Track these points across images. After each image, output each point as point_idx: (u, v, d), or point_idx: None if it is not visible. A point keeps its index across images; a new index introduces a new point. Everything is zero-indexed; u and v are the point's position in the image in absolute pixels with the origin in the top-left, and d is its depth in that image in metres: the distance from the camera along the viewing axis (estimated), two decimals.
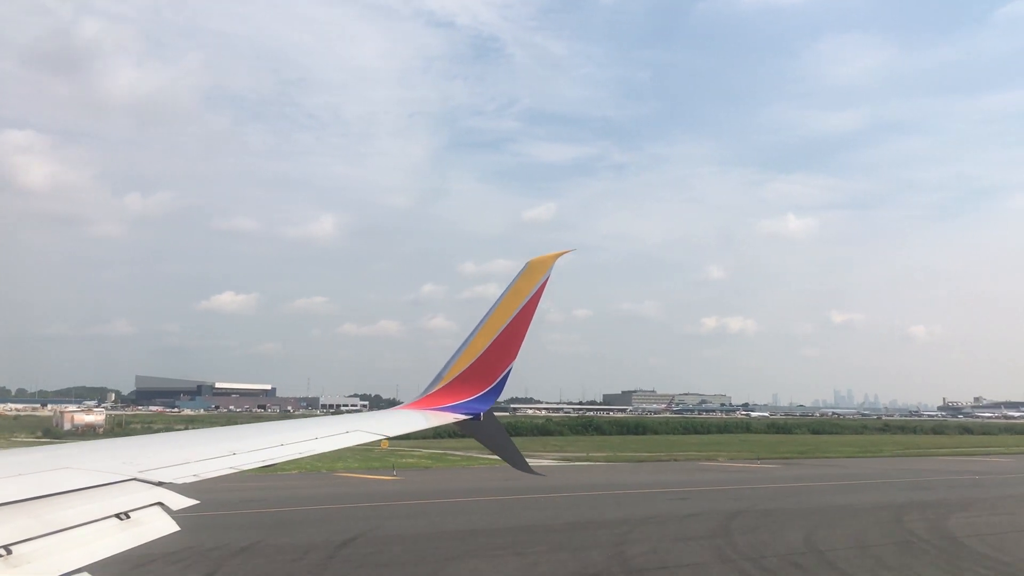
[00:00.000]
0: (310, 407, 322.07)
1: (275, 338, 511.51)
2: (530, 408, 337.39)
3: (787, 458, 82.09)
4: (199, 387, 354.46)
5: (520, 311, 10.76)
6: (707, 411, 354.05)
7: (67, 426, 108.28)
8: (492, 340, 10.77)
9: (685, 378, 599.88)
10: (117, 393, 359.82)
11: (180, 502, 5.77)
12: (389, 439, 11.51)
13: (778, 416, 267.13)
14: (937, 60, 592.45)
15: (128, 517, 5.29)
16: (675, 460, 78.45)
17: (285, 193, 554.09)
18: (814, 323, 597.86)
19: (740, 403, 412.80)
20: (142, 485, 5.89)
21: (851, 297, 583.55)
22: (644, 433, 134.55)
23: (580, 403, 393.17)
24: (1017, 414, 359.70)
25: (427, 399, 10.90)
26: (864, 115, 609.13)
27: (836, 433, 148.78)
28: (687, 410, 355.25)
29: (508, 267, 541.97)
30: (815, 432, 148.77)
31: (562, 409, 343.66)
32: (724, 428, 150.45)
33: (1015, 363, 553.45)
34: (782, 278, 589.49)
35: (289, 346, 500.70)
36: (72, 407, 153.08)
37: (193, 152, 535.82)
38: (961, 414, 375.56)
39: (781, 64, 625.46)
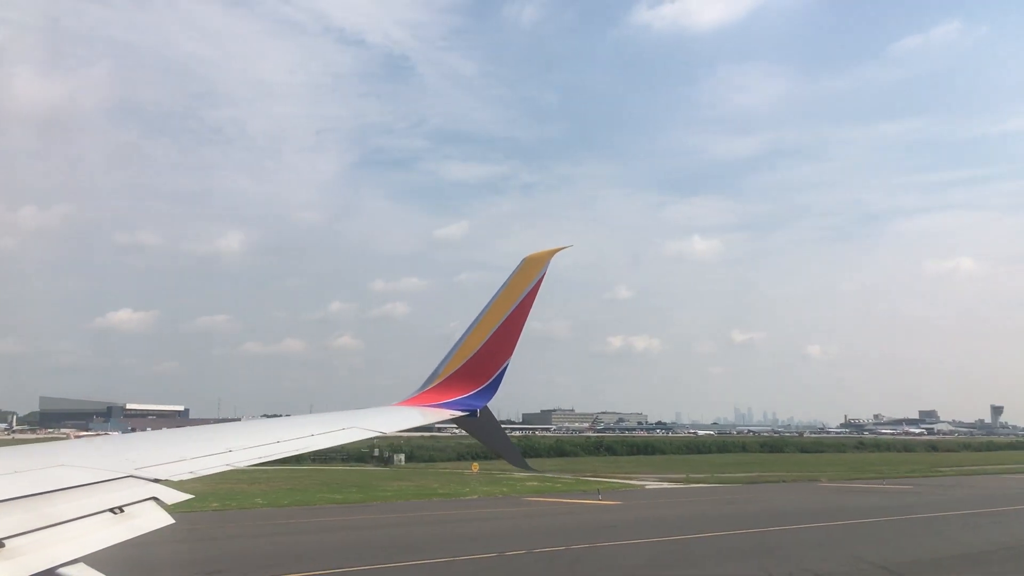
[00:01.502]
0: None
1: (175, 357, 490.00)
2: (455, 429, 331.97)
3: (892, 477, 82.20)
4: (109, 408, 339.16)
5: (516, 308, 10.65)
6: (627, 430, 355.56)
7: None
8: (488, 337, 10.68)
9: (595, 397, 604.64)
10: (14, 415, 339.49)
11: (175, 496, 5.78)
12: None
13: (708, 435, 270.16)
14: (833, 90, 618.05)
15: (122, 511, 5.33)
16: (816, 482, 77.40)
17: (189, 208, 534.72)
18: (717, 342, 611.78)
19: (654, 421, 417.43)
20: (138, 481, 5.93)
21: (752, 317, 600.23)
22: (653, 453, 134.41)
23: (501, 423, 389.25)
24: (917, 431, 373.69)
25: (423, 396, 10.76)
26: (763, 141, 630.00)
27: (821, 451, 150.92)
28: (608, 429, 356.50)
29: (419, 285, 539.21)
30: (804, 451, 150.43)
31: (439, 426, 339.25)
32: (723, 448, 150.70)
33: (908, 381, 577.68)
34: (687, 298, 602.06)
35: (189, 365, 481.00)
36: None
37: (93, 165, 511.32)
38: (865, 431, 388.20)
39: (685, 90, 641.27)
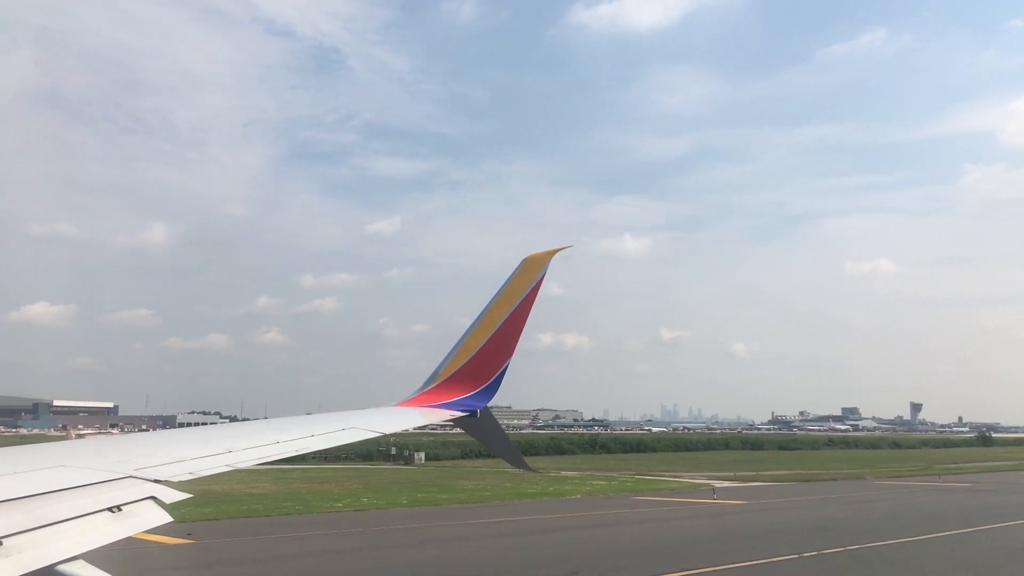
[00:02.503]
0: (166, 426, 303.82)
1: (94, 352, 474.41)
2: None
3: (933, 475, 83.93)
4: (35, 405, 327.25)
5: (516, 308, 10.69)
6: (565, 427, 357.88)
7: None
8: (488, 337, 10.70)
9: (524, 394, 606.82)
10: None
11: (174, 496, 5.83)
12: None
13: (661, 431, 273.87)
14: (759, 94, 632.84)
15: (120, 510, 5.36)
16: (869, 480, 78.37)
17: (110, 200, 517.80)
18: (644, 340, 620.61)
19: (588, 418, 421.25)
20: (137, 482, 5.93)
21: (679, 315, 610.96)
22: (644, 451, 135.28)
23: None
24: (842, 427, 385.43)
25: (423, 396, 10.78)
26: (690, 143, 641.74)
27: (797, 448, 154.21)
28: (547, 426, 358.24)
29: (348, 281, 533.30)
30: (783, 448, 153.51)
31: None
32: (709, 445, 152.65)
33: (830, 379, 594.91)
34: (616, 296, 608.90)
35: (110, 361, 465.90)
36: None
37: (9, 154, 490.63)
38: (793, 427, 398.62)
39: (616, 90, 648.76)
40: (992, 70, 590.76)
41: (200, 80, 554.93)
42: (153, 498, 5.75)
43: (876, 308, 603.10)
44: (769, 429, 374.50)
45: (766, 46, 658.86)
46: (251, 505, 52.55)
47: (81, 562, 5.04)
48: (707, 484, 70.42)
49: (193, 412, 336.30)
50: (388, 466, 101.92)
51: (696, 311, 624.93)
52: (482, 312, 11.03)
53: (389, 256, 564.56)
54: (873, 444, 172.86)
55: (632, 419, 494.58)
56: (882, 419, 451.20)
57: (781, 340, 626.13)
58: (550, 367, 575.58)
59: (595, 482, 73.16)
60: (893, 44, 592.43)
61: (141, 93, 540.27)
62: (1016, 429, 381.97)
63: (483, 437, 11.44)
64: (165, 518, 5.59)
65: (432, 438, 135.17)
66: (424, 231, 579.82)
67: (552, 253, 10.95)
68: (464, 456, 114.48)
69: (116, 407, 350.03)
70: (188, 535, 39.20)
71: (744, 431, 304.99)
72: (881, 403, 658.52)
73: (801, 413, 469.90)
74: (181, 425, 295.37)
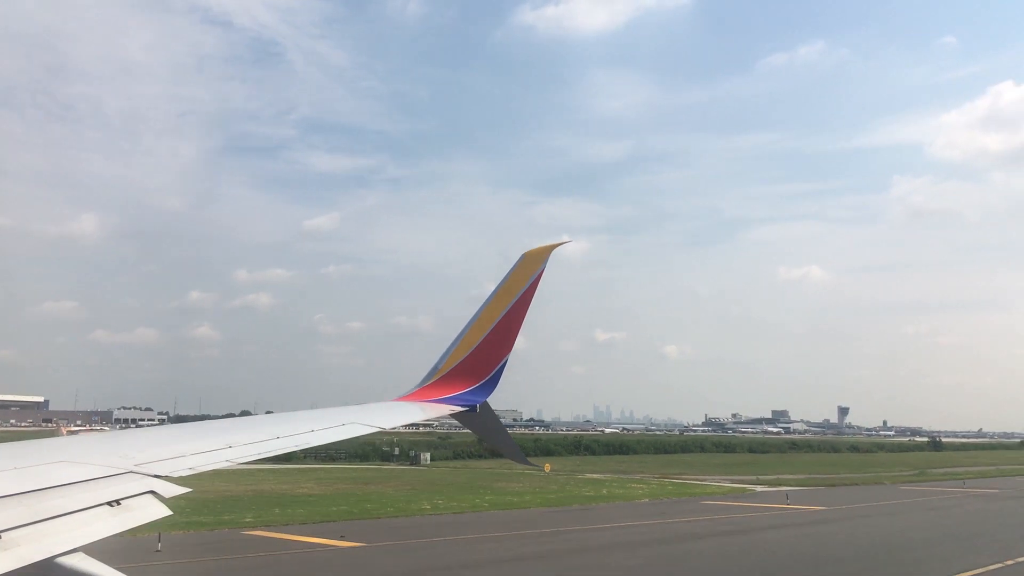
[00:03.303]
0: (103, 421, 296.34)
1: (14, 344, 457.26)
2: None
3: (939, 480, 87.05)
4: None
5: (515, 303, 10.76)
6: (507, 427, 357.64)
7: None
8: (487, 332, 10.77)
9: None
10: None
11: (173, 490, 5.90)
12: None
13: (616, 431, 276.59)
14: (698, 100, 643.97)
15: (119, 504, 5.41)
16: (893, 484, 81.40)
17: (38, 188, 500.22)
18: (580, 341, 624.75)
19: (527, 418, 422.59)
20: (137, 477, 5.99)
21: (614, 317, 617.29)
22: (626, 452, 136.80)
23: None
24: (775, 429, 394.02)
25: (423, 391, 10.90)
26: (629, 146, 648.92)
27: (765, 451, 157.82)
28: None
29: (284, 276, 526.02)
30: (752, 451, 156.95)
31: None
32: (685, 447, 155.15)
33: (761, 382, 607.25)
34: (553, 297, 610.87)
35: (32, 353, 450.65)
36: None
37: None
38: (728, 429, 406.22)
39: (559, 92, 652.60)
40: (923, 85, 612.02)
41: (133, 68, 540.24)
42: (152, 492, 5.83)
43: (806, 313, 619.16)
44: (705, 431, 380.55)
45: (708, 54, 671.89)
46: (344, 506, 52.19)
47: (80, 555, 5.15)
48: (743, 488, 72.09)
49: (132, 408, 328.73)
50: (395, 466, 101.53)
51: (631, 313, 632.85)
52: (481, 307, 11.01)
53: (326, 252, 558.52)
54: (834, 448, 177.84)
55: (566, 419, 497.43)
56: (810, 422, 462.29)
57: (714, 343, 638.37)
58: None
59: (633, 485, 74.15)
60: (831, 57, 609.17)
61: (71, 79, 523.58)
62: (938, 433, 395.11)
63: (483, 432, 11.38)
64: (164, 512, 5.65)
65: (430, 437, 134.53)
66: (363, 228, 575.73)
67: (551, 248, 10.92)
68: (456, 456, 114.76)
69: (47, 401, 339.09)
70: (341, 536, 39.03)
71: (681, 433, 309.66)
72: (809, 406, 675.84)
73: (733, 415, 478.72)
74: (118, 421, 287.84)
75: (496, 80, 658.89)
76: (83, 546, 5.03)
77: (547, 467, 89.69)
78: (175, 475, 6.26)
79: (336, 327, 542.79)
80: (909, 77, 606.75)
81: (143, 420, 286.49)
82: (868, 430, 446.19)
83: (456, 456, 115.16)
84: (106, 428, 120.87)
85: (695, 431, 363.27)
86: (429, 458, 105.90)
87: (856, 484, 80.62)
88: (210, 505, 52.51)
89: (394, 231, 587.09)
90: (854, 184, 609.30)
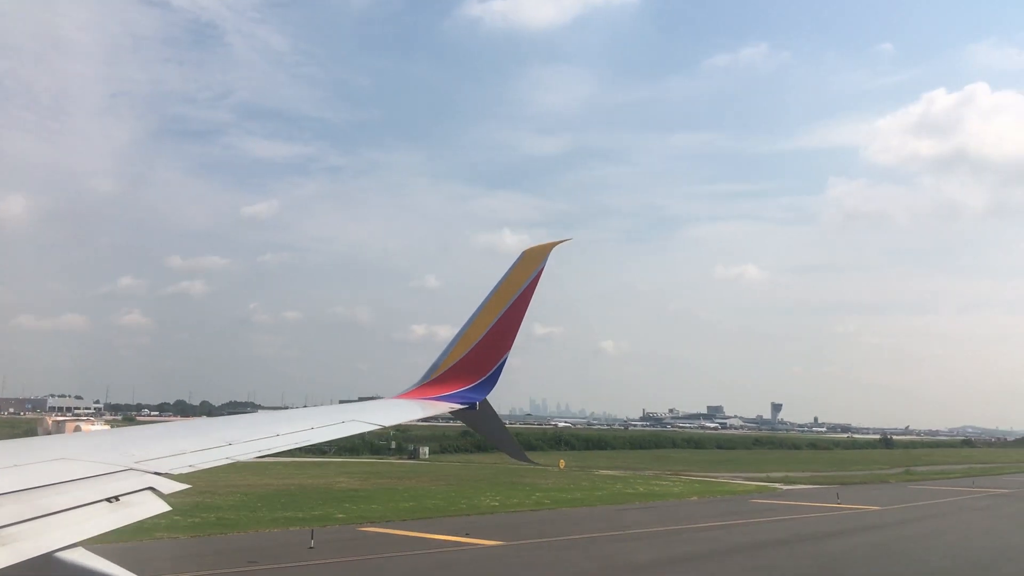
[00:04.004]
0: (36, 408, 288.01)
1: None
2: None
3: (944, 478, 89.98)
4: None
5: (515, 301, 10.94)
6: (449, 418, 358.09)
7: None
8: (487, 330, 10.94)
9: (391, 384, 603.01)
10: None
11: (172, 487, 6.05)
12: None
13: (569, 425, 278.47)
14: (639, 98, 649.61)
15: (118, 500, 5.55)
16: (897, 481, 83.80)
17: None
18: (518, 335, 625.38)
19: None
20: (136, 474, 6.11)
21: (552, 312, 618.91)
22: (604, 448, 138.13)
23: None
24: (712, 425, 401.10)
25: (422, 389, 11.06)
26: (568, 142, 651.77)
27: (732, 448, 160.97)
28: (442, 417, 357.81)
29: (220, 264, 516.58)
30: (720, 447, 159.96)
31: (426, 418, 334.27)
32: (658, 443, 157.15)
33: (696, 378, 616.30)
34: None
35: None
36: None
37: None
38: (666, 424, 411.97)
39: (501, 85, 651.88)
40: (860, 89, 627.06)
41: (64, 46, 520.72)
42: (152, 489, 5.91)
43: (741, 311, 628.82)
44: (644, 425, 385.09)
45: (652, 52, 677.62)
46: (406, 502, 52.00)
47: (80, 549, 5.25)
48: (769, 487, 73.62)
49: (65, 396, 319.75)
50: (394, 460, 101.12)
51: (569, 308, 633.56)
52: (481, 305, 11.13)
53: (263, 240, 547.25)
54: (795, 445, 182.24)
55: (502, 412, 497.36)
56: (745, 418, 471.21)
57: (650, 339, 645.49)
58: (421, 358, 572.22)
59: (657, 482, 75.32)
60: (773, 59, 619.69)
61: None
62: (867, 430, 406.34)
63: (483, 429, 11.57)
64: (163, 507, 5.75)
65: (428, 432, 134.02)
66: (300, 216, 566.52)
67: (551, 246, 11.09)
68: (449, 450, 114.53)
69: None
70: (467, 533, 39.01)
71: (626, 428, 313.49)
72: (743, 402, 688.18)
73: (671, 410, 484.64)
74: (52, 408, 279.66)
75: (439, 72, 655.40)
76: (82, 541, 5.14)
77: (561, 463, 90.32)
78: (175, 472, 6.32)
79: (272, 316, 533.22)
80: (847, 82, 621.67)
81: (78, 408, 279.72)
82: (800, 426, 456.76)
83: (443, 450, 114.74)
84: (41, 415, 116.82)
85: (636, 426, 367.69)
86: (428, 452, 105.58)
87: (865, 483, 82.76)
88: (273, 500, 51.92)
89: (332, 220, 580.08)
90: (791, 185, 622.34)
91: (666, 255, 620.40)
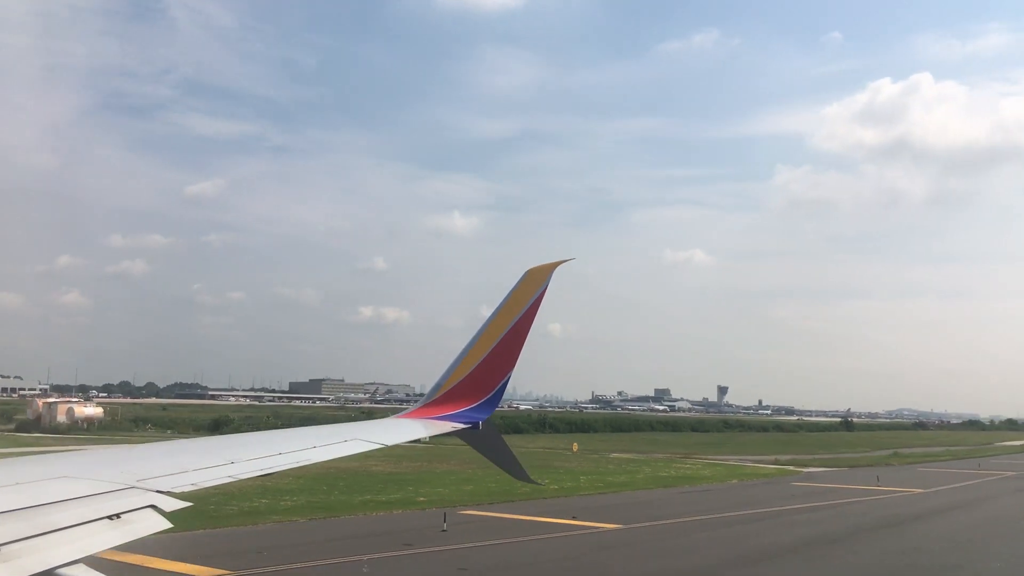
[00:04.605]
0: None
1: None
2: (232, 396, 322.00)
3: (945, 459, 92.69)
4: None
5: (518, 321, 10.99)
6: (401, 402, 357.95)
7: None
8: (490, 349, 11.00)
9: (342, 366, 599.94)
10: None
11: (174, 504, 6.14)
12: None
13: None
14: (588, 82, 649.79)
15: (119, 517, 5.62)
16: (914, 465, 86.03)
17: None
18: (465, 317, 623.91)
19: (417, 393, 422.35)
20: (138, 492, 6.18)
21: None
22: (587, 431, 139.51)
23: (274, 391, 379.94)
24: (661, 407, 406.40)
25: (426, 408, 11.30)
26: (517, 125, 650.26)
27: (706, 431, 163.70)
28: (385, 400, 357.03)
29: (162, 243, 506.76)
30: (695, 430, 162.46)
31: (262, 397, 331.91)
32: (636, 427, 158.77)
33: (643, 361, 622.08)
34: (441, 273, 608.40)
35: None
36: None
37: None
38: (617, 407, 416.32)
39: (451, 66, 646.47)
40: (808, 77, 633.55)
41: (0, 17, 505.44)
42: (153, 507, 5.98)
43: (688, 295, 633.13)
44: (593, 408, 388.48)
45: (604, 37, 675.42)
46: (465, 485, 51.92)
47: (81, 566, 5.29)
48: (790, 469, 75.14)
49: (6, 376, 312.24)
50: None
51: None
52: (484, 325, 11.18)
53: (207, 220, 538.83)
54: (763, 428, 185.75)
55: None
56: (693, 401, 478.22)
57: (598, 322, 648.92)
58: (369, 340, 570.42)
59: (680, 465, 76.40)
60: (724, 46, 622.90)
61: None
62: (810, 413, 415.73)
63: (485, 450, 11.63)
64: (164, 524, 5.84)
65: None
66: (245, 196, 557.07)
67: (554, 266, 11.13)
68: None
69: None
70: (573, 517, 39.23)
71: (581, 411, 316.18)
72: (689, 385, 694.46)
73: (619, 393, 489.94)
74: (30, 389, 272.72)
75: (388, 51, 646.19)
76: (83, 558, 5.22)
77: (575, 447, 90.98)
78: (177, 491, 6.37)
79: (216, 297, 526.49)
80: (796, 69, 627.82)
81: (23, 390, 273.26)
82: (746, 409, 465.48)
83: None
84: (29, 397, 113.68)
85: (586, 408, 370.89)
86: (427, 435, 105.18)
87: (872, 465, 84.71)
88: (332, 483, 51.41)
89: (278, 200, 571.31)
90: (739, 171, 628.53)
91: (613, 239, 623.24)
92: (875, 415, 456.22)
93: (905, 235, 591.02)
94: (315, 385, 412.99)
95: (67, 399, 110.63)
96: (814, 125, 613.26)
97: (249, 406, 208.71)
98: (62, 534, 5.21)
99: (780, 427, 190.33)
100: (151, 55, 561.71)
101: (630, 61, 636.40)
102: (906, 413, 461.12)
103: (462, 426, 10.78)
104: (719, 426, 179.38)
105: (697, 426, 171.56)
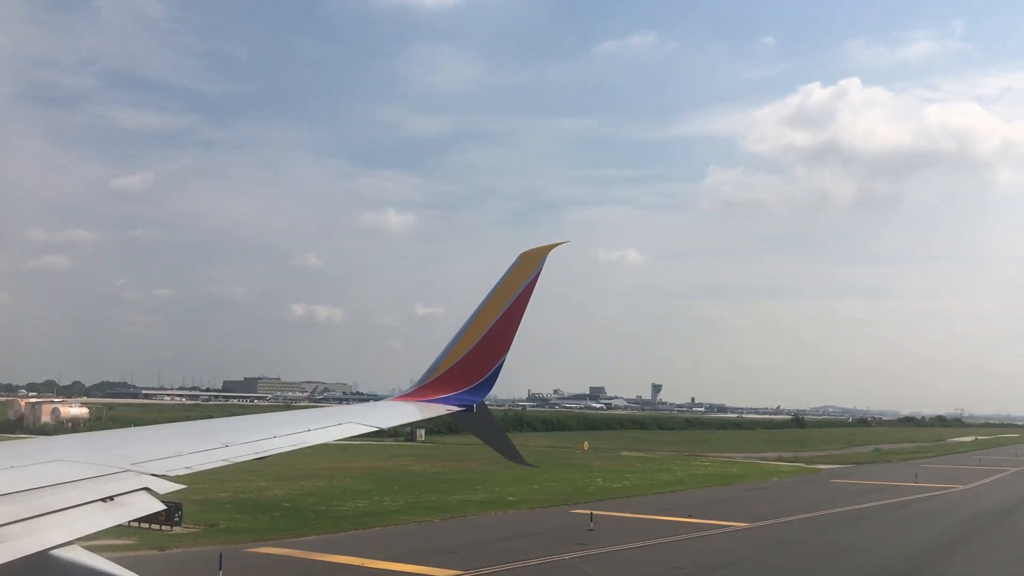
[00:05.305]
0: None
1: None
2: (166, 395, 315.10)
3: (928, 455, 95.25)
4: None
5: (512, 304, 11.00)
6: (339, 400, 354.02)
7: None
8: (484, 333, 11.01)
9: (276, 364, 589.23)
10: None
11: (168, 487, 6.23)
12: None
13: None
14: (525, 81, 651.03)
15: (112, 500, 5.75)
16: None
17: None
18: (399, 315, 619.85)
19: (354, 391, 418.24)
20: (133, 475, 6.25)
21: (435, 292, 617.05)
22: (562, 429, 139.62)
23: (208, 390, 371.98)
24: (598, 405, 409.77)
25: (420, 391, 11.18)
26: (453, 123, 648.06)
27: (674, 428, 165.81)
28: (325, 399, 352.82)
29: (87, 238, 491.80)
30: (662, 428, 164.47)
31: (198, 396, 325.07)
32: (608, 424, 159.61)
33: (578, 359, 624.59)
34: (376, 270, 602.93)
35: None
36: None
37: None
38: (552, 405, 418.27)
39: (387, 63, 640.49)
40: (741, 80, 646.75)
41: None
42: (147, 489, 6.06)
43: (622, 294, 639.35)
44: (530, 405, 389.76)
45: (543, 37, 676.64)
46: (535, 483, 51.88)
47: (75, 547, 5.46)
48: (805, 467, 76.58)
49: None
50: (391, 442, 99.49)
51: (452, 289, 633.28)
52: (478, 308, 11.18)
53: (135, 214, 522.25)
54: (722, 425, 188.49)
55: (382, 392, 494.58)
56: (628, 398, 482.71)
57: (533, 320, 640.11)
58: (302, 338, 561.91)
59: (701, 463, 77.35)
60: (661, 48, 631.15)
61: None
62: (741, 410, 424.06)
63: (480, 432, 11.63)
64: (158, 507, 5.92)
65: None
66: (174, 191, 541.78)
67: (548, 249, 11.17)
68: (442, 431, 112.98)
69: None
70: (689, 516, 39.27)
71: (523, 408, 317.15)
72: (624, 383, 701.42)
73: (555, 391, 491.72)
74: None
75: (323, 46, 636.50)
76: (77, 539, 5.34)
77: (585, 445, 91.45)
78: (171, 474, 6.45)
79: (143, 294, 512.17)
80: (730, 72, 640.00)
81: None
82: (679, 406, 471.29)
83: (446, 431, 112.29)
84: (12, 397, 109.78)
85: (523, 406, 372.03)
86: (424, 434, 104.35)
87: (871, 462, 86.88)
88: (397, 483, 50.98)
89: (207, 195, 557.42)
90: (673, 172, 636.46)
91: (549, 238, 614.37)
92: (803, 412, 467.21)
93: (832, 236, 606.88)
94: (251, 384, 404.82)
95: (50, 399, 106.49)
96: (747, 127, 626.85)
97: (184, 405, 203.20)
98: (56, 516, 5.29)
99: (738, 425, 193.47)
100: (75, 45, 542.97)
101: (568, 61, 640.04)
102: (831, 410, 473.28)
103: (456, 409, 10.76)
104: (680, 423, 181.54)
105: (665, 424, 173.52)
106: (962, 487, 59.19)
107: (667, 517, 39.36)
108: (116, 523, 5.50)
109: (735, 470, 70.25)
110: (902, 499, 50.65)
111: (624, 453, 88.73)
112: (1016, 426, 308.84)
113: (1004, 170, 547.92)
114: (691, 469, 69.26)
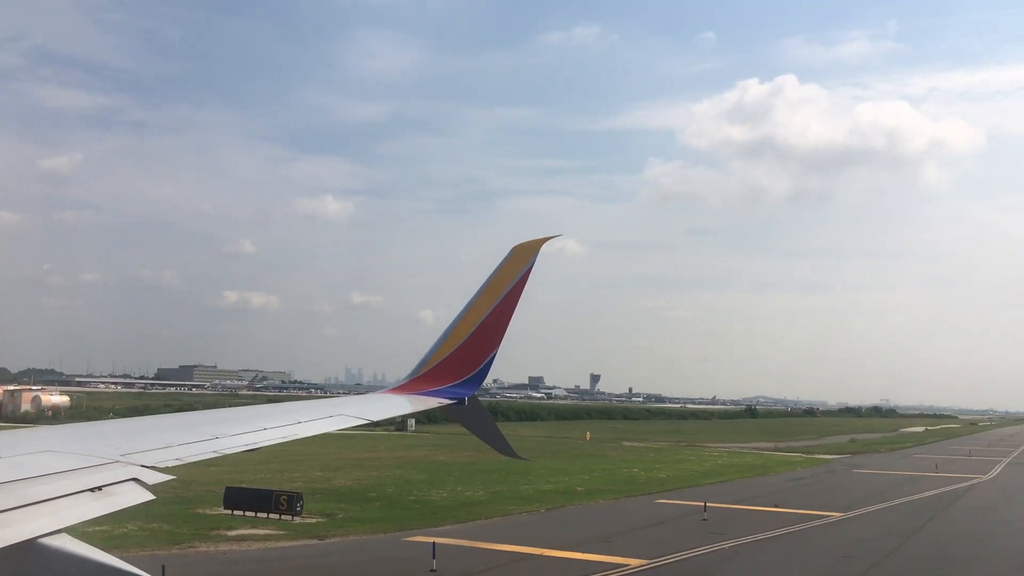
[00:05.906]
0: None
1: None
2: (100, 382, 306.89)
3: (928, 443, 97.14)
4: None
5: (504, 298, 11.16)
6: (279, 389, 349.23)
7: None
8: (476, 326, 11.13)
9: (210, 352, 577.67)
10: None
11: (156, 478, 6.38)
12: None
13: None
14: (465, 70, 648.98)
15: (100, 490, 5.86)
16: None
17: None
18: (334, 303, 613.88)
19: (293, 380, 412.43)
20: (122, 466, 6.38)
21: (371, 280, 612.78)
22: (536, 419, 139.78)
23: (142, 378, 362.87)
24: (538, 395, 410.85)
25: (411, 384, 11.33)
26: (391, 109, 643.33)
27: (653, 418, 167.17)
28: (264, 388, 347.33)
29: (11, 220, 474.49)
30: (628, 418, 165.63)
31: (133, 384, 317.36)
32: (576, 415, 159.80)
33: (516, 348, 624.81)
34: (312, 257, 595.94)
35: None
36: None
37: None
38: (496, 395, 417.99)
39: (323, 47, 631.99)
40: (681, 74, 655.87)
41: None
42: (136, 480, 6.13)
43: (560, 284, 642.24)
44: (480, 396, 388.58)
45: (485, 25, 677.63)
46: (579, 475, 51.63)
47: (63, 535, 5.46)
48: (814, 457, 77.55)
49: None
50: (381, 432, 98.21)
51: (388, 277, 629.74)
52: (470, 301, 11.27)
53: (61, 197, 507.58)
54: (680, 416, 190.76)
55: (316, 380, 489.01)
56: (567, 388, 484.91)
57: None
58: (234, 325, 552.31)
59: (702, 453, 77.85)
60: (604, 40, 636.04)
61: None
62: (677, 400, 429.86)
63: (471, 426, 11.81)
64: (147, 496, 6.00)
65: None
66: (103, 173, 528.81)
67: (541, 242, 11.19)
68: (434, 420, 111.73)
69: None
70: (775, 505, 39.33)
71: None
72: (561, 373, 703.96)
73: (495, 381, 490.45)
74: None
75: (259, 28, 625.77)
76: (64, 528, 5.43)
77: (587, 436, 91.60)
78: (161, 465, 6.52)
79: (68, 279, 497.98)
80: (670, 66, 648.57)
81: None
82: (618, 396, 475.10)
83: (436, 420, 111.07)
84: None
85: None
86: (414, 423, 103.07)
87: (865, 452, 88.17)
88: (436, 472, 50.20)
89: (138, 178, 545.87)
90: (612, 164, 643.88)
91: (486, 227, 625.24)
92: (738, 402, 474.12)
93: (766, 230, 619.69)
94: (186, 371, 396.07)
95: (29, 387, 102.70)
96: (685, 121, 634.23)
97: (131, 393, 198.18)
98: (44, 506, 5.37)
99: (696, 415, 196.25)
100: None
101: (509, 50, 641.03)
102: (762, 400, 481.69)
103: (448, 402, 10.89)
104: (642, 414, 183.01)
105: (630, 415, 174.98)
106: (980, 477, 60.40)
107: (760, 507, 39.25)
108: (104, 512, 5.58)
109: (749, 460, 70.75)
110: (951, 488, 51.42)
111: (626, 444, 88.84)
112: (947, 416, 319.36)
113: (931, 168, 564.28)
114: (712, 460, 69.40)
